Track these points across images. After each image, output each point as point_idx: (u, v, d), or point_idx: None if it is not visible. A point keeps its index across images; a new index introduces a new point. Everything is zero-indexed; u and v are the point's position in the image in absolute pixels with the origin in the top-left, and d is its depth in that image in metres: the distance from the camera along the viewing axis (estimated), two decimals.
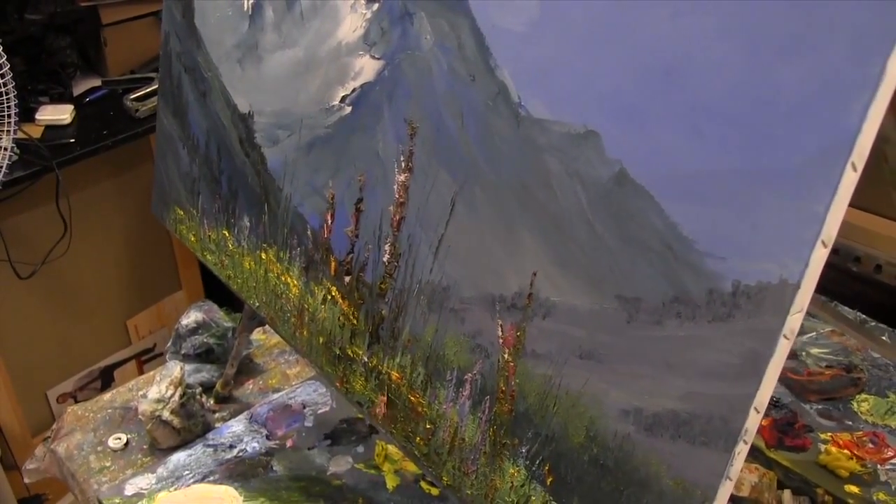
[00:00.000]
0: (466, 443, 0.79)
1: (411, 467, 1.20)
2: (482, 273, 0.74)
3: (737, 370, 0.55)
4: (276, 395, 1.38)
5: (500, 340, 0.74)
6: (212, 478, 1.19)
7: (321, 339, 0.95)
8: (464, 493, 0.78)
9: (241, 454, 1.24)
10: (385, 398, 0.88)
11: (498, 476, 0.75)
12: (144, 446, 1.26)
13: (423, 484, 1.18)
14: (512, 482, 0.74)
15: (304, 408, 1.35)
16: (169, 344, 1.41)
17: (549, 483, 0.71)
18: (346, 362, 0.93)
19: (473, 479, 0.78)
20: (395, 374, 0.86)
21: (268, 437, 1.28)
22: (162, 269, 2.32)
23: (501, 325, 0.73)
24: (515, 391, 0.73)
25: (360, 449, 1.27)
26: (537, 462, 0.72)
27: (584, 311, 0.65)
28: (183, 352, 1.38)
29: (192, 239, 1.16)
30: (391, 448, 1.24)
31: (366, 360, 0.90)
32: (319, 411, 1.35)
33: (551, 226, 0.66)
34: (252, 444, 1.26)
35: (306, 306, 0.97)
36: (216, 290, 1.57)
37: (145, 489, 1.18)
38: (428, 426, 0.82)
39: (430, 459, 0.82)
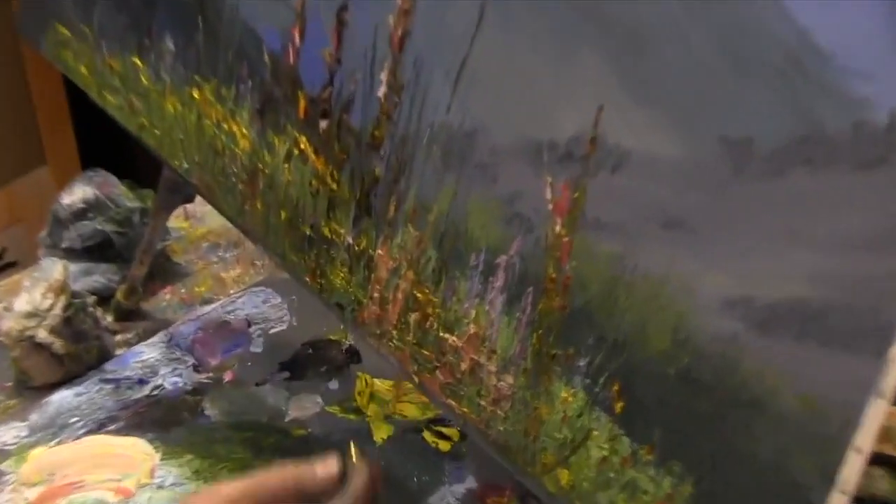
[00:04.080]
0: (498, 356, 0.81)
1: (410, 410, 1.26)
2: (523, 110, 0.75)
3: (892, 239, 0.55)
4: (206, 308, 1.42)
5: (550, 206, 0.75)
6: (113, 426, 1.20)
7: (284, 215, 0.98)
8: (494, 429, 0.82)
9: (156, 393, 1.26)
10: (378, 296, 0.91)
11: (544, 403, 0.79)
12: (9, 383, 1.28)
13: (426, 434, 1.23)
14: (564, 411, 0.77)
15: (250, 326, 1.39)
16: (43, 234, 1.39)
17: (617, 410, 0.74)
18: (320, 246, 0.96)
19: (508, 410, 0.81)
20: (392, 262, 0.88)
21: (196, 369, 1.32)
22: (15, 133, 2.19)
23: (551, 184, 0.74)
24: (571, 279, 0.75)
25: (334, 385, 1.32)
26: (601, 380, 0.75)
27: (671, 159, 0.66)
28: (65, 245, 1.39)
29: (84, 72, 1.16)
30: (379, 383, 1.29)
31: (350, 241, 0.93)
32: (272, 330, 1.39)
33: (626, 39, 0.67)
34: (172, 379, 1.29)
35: (261, 166, 0.99)
36: (105, 163, 1.53)
37: (12, 444, 1.17)
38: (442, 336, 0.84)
39: (447, 388, 0.86)
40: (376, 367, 1.38)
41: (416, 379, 0.90)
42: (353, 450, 0.87)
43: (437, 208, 0.83)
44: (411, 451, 1.18)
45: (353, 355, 1.41)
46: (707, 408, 0.67)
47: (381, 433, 1.22)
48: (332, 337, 1.43)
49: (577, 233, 0.73)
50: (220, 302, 1.41)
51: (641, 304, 0.70)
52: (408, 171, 0.85)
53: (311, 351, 1.40)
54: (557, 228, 0.75)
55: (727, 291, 0.64)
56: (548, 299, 0.77)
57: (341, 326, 1.42)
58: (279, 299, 1.49)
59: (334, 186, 0.92)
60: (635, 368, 0.71)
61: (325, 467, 0.82)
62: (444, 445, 1.19)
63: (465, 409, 0.86)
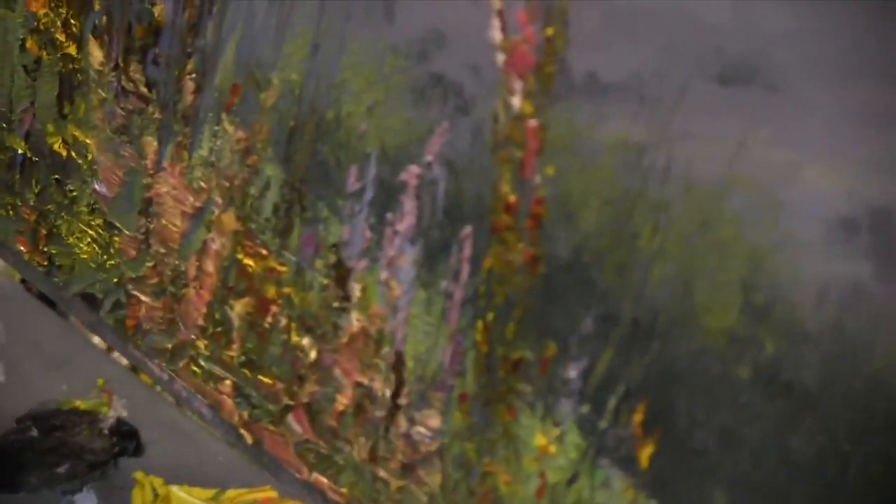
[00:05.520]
0: (409, 371, 0.75)
1: None
2: None
3: None
4: None
5: (500, 56, 0.66)
6: None
7: None
8: None
9: None
10: (167, 273, 0.85)
11: (501, 461, 0.71)
12: None
13: None
14: (542, 473, 0.69)
15: None
16: None
17: (643, 461, 0.65)
18: (44, 176, 0.92)
19: (432, 485, 0.75)
20: (193, 195, 0.82)
21: None
22: None
23: (501, 13, 0.66)
24: (543, 200, 0.66)
25: (87, 501, 1.09)
26: (611, 403, 0.66)
27: None
28: None
29: None
30: (181, 495, 1.06)
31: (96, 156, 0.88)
32: None
33: None
34: None
35: None
36: None
37: None
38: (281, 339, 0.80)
39: (309, 449, 0.81)
40: (174, 458, 1.12)
41: (248, 435, 0.84)
42: None
43: (279, 77, 0.76)
44: None
45: (126, 439, 1.12)
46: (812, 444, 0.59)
47: None
48: (78, 404, 1.14)
49: (553, 106, 0.65)
50: None
51: (682, 238, 0.62)
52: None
53: (35, 434, 1.12)
54: (516, 101, 0.67)
55: (844, 201, 0.57)
56: (502, 248, 0.68)
57: (97, 385, 1.16)
58: None
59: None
60: (676, 373, 0.63)
61: None
62: None
63: (344, 490, 0.80)
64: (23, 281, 1.46)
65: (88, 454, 1.11)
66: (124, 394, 1.14)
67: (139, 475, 1.09)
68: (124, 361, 1.21)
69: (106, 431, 1.13)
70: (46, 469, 1.11)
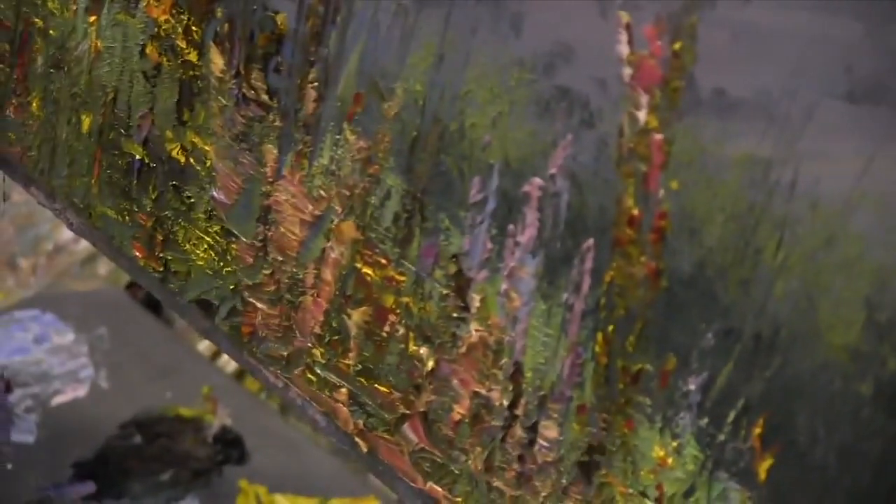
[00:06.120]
0: (528, 383, 0.76)
1: None
2: None
3: None
4: None
5: (626, 70, 0.68)
6: None
7: (86, 120, 0.97)
8: None
9: None
10: (284, 281, 0.87)
11: (618, 471, 0.73)
12: None
13: None
14: (659, 485, 0.71)
15: (10, 390, 1.21)
16: None
17: (761, 474, 0.66)
18: (163, 182, 0.95)
19: (548, 496, 0.76)
20: (312, 204, 0.85)
21: None
22: None
23: (628, 27, 0.67)
24: (667, 215, 0.67)
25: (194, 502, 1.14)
26: (730, 417, 0.67)
27: None
28: None
29: None
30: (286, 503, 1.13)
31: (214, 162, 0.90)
32: (57, 399, 1.19)
33: None
34: None
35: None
36: None
37: None
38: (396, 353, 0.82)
39: (425, 458, 0.83)
40: (278, 467, 1.17)
41: (363, 444, 0.85)
42: None
43: (402, 88, 0.78)
44: None
45: (231, 447, 1.18)
46: None
47: None
48: (182, 412, 1.19)
49: (679, 121, 0.67)
50: None
51: (806, 254, 0.64)
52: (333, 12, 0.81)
53: (139, 440, 1.16)
54: (641, 114, 0.68)
55: None
56: (624, 262, 0.70)
57: (201, 393, 1.20)
58: (70, 335, 1.24)
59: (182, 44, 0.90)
60: (797, 387, 0.65)
61: None
62: None
63: (459, 500, 0.81)
64: (128, 288, 1.50)
65: (192, 461, 1.14)
66: (229, 402, 1.18)
67: (243, 483, 1.13)
68: (229, 370, 1.25)
69: (210, 439, 1.17)
70: (150, 476, 1.14)
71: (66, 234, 1.71)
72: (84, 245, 1.64)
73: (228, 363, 1.42)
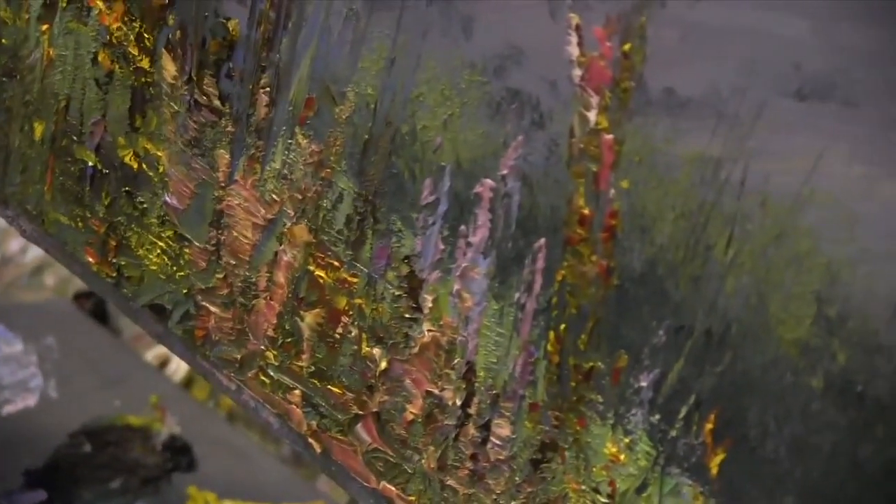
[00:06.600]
0: (480, 382, 0.76)
1: None
2: None
3: None
4: None
5: (577, 72, 0.68)
6: None
7: (38, 127, 0.97)
8: None
9: None
10: (237, 285, 0.87)
11: (572, 469, 0.73)
12: None
13: None
14: (611, 481, 0.71)
15: None
16: None
17: (713, 469, 0.67)
18: (116, 187, 0.94)
19: (502, 494, 0.77)
20: (265, 207, 0.85)
21: None
22: None
23: (578, 28, 0.67)
24: (617, 213, 0.68)
25: None
26: (682, 412, 0.68)
27: None
28: None
29: None
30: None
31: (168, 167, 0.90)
32: (6, 408, 1.19)
33: None
34: None
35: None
36: None
37: None
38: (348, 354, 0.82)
39: (377, 459, 0.83)
40: (227, 473, 1.17)
41: (317, 445, 0.85)
42: None
43: (354, 91, 0.78)
44: None
45: (180, 455, 1.18)
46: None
47: None
48: (131, 420, 1.19)
49: (629, 121, 0.67)
50: None
51: (756, 250, 0.65)
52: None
53: (88, 449, 1.16)
54: (592, 115, 0.68)
55: None
56: (576, 261, 0.71)
57: (150, 401, 1.20)
58: (18, 345, 1.26)
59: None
60: (748, 382, 0.66)
61: None
62: None
63: (412, 498, 0.82)
64: (75, 298, 1.49)
65: (142, 469, 1.14)
66: (177, 410, 1.18)
67: (192, 490, 1.13)
68: (177, 378, 1.25)
69: (159, 447, 1.16)
70: (100, 484, 1.14)
71: (14, 245, 1.71)
72: (32, 256, 1.64)
73: (176, 372, 1.42)
